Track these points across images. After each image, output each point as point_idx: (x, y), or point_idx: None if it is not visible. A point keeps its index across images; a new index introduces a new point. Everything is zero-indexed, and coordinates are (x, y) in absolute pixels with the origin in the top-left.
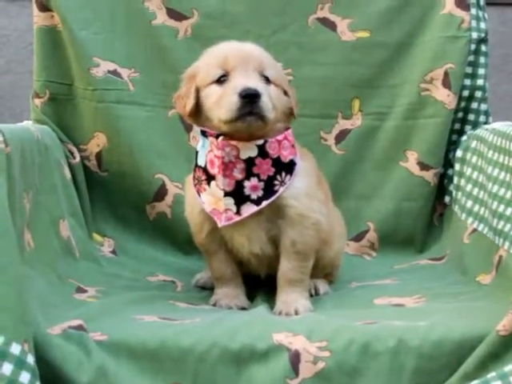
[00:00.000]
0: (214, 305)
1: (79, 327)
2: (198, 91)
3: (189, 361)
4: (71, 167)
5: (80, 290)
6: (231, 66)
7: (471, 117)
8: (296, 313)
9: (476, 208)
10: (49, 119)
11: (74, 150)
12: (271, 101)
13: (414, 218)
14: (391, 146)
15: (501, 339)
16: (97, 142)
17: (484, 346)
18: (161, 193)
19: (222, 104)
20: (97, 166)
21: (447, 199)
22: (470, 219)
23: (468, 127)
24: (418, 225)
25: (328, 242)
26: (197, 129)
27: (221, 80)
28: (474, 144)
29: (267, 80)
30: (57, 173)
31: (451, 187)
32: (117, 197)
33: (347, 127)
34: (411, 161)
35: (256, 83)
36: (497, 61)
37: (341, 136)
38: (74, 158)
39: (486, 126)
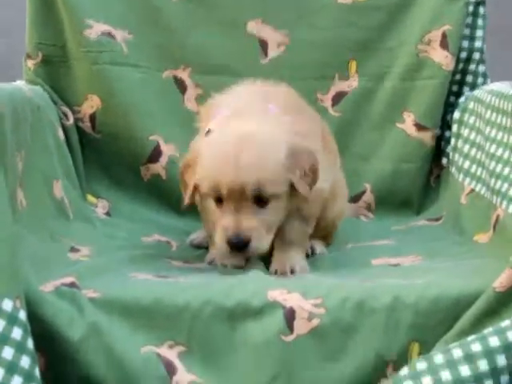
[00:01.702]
0: (210, 263)
1: (72, 284)
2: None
3: (183, 318)
4: (65, 128)
5: (73, 250)
6: (224, 195)
7: (469, 78)
8: (292, 272)
9: (473, 169)
10: (42, 81)
11: (68, 111)
12: (267, 226)
13: (411, 179)
14: (388, 108)
15: (497, 295)
16: (90, 104)
17: (480, 303)
18: (155, 154)
19: (217, 233)
20: (90, 127)
21: (444, 161)
22: (468, 180)
23: (466, 89)
24: (415, 186)
25: (330, 203)
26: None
27: (218, 199)
28: (471, 105)
29: (265, 201)
30: (50, 133)
31: (448, 149)
32: (111, 158)
33: (344, 89)
34: (408, 122)
35: (248, 223)
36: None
37: (337, 97)
38: (68, 119)
39: (484, 87)
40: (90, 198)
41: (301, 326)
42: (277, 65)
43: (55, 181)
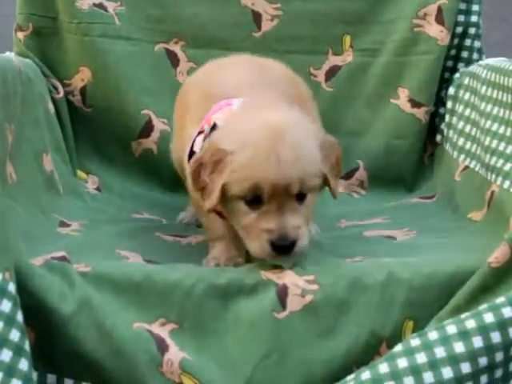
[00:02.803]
0: (217, 265)
1: (62, 258)
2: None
3: (175, 295)
4: (55, 102)
5: (63, 224)
6: (265, 196)
7: (464, 54)
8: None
9: (468, 145)
10: (32, 53)
11: (58, 84)
12: (306, 221)
13: (405, 155)
14: (382, 83)
15: (492, 271)
16: (81, 77)
17: (475, 279)
18: (147, 129)
19: (251, 238)
20: (81, 101)
21: (438, 138)
22: (462, 156)
23: (461, 65)
24: (409, 163)
25: None
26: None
27: (252, 201)
28: (466, 81)
29: (303, 196)
30: (40, 106)
31: (443, 126)
32: (101, 133)
33: (337, 63)
34: (402, 98)
35: (293, 222)
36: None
37: (331, 72)
38: (58, 92)
39: (480, 62)
40: (80, 173)
41: (294, 303)
42: (270, 38)
43: (45, 154)
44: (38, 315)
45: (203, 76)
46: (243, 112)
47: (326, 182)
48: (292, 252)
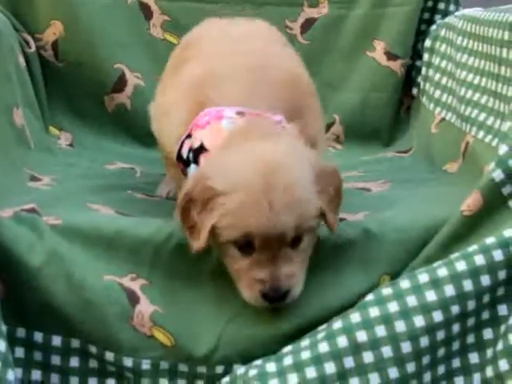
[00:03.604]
0: None
1: (32, 210)
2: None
3: (145, 251)
4: (26, 57)
5: (34, 179)
6: (257, 245)
7: (441, 6)
8: None
9: (444, 97)
10: (3, 7)
11: (30, 39)
12: (303, 264)
13: (381, 109)
14: (358, 36)
15: (465, 219)
16: (53, 31)
17: (448, 227)
18: (120, 83)
19: (243, 285)
20: (53, 55)
21: (415, 91)
22: (438, 109)
23: (438, 16)
24: (385, 116)
25: None
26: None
27: (243, 246)
28: (443, 32)
29: (299, 238)
30: (11, 61)
31: (419, 78)
32: (74, 88)
33: (313, 16)
34: (378, 50)
35: (287, 272)
36: None
37: (307, 25)
38: (30, 47)
39: (456, 13)
40: (53, 129)
41: None
42: None
43: (15, 109)
44: (6, 267)
45: (209, 56)
46: (233, 143)
47: (323, 215)
48: (284, 301)
